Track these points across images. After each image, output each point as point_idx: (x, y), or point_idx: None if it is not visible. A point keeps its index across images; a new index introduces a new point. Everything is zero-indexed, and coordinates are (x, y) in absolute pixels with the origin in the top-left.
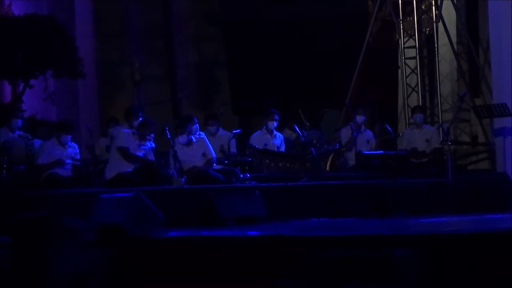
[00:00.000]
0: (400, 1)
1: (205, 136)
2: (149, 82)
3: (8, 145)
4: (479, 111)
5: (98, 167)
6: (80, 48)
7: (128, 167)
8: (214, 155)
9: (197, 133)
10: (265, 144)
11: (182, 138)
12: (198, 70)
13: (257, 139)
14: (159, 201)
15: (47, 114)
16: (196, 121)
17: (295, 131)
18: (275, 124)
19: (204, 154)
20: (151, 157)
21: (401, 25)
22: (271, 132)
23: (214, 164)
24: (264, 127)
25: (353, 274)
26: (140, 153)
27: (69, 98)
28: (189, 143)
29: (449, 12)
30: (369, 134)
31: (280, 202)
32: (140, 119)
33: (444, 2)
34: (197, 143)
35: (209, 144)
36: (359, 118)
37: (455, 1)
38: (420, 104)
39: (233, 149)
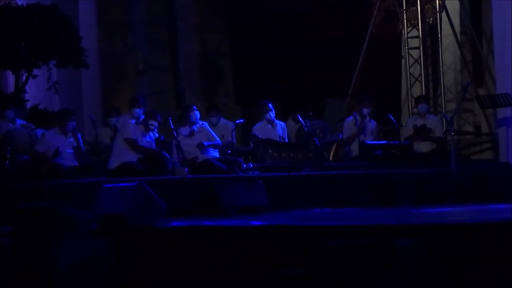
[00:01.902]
0: None
1: (207, 125)
2: (152, 72)
3: (11, 135)
4: (482, 101)
5: (101, 157)
6: (84, 38)
7: (132, 157)
8: (219, 140)
9: (200, 123)
10: (268, 135)
11: (185, 130)
12: (201, 60)
13: (259, 130)
14: (162, 191)
15: (50, 104)
16: (196, 108)
17: (298, 121)
18: (272, 113)
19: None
20: (153, 147)
21: (405, 15)
22: (272, 123)
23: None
24: (264, 119)
25: (355, 264)
26: (145, 144)
27: (72, 88)
28: (191, 134)
29: (452, 2)
30: (373, 124)
31: (283, 192)
32: (141, 108)
33: None
34: (199, 133)
35: (212, 131)
36: (365, 110)
37: None
38: (423, 94)
39: (230, 138)
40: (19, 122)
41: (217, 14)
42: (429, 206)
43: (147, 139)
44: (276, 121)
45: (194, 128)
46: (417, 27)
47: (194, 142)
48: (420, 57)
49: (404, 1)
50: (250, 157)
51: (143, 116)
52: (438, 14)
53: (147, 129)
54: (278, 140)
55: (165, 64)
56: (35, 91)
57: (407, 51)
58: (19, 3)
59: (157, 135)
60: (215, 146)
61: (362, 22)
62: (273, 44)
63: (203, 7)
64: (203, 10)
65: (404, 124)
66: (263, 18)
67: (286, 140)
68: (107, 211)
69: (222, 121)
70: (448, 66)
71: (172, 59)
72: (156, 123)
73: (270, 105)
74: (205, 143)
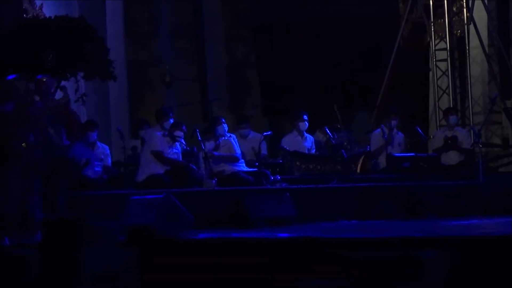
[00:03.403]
0: (431, 3)
1: (233, 138)
2: (179, 83)
3: None
4: (510, 113)
5: (129, 169)
6: (111, 49)
7: (160, 169)
8: (239, 153)
9: (228, 135)
10: (296, 147)
11: (210, 144)
12: (228, 71)
13: (288, 141)
14: (189, 203)
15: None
16: (224, 121)
17: (326, 133)
18: (306, 124)
19: None
20: (180, 158)
21: (432, 27)
22: (302, 134)
23: (243, 161)
24: (295, 129)
25: (383, 276)
26: (172, 156)
27: (100, 100)
28: (216, 147)
29: (480, 14)
30: (400, 136)
31: (311, 204)
32: (172, 120)
33: (475, 4)
34: (223, 147)
35: (236, 144)
36: (392, 122)
37: (486, 3)
38: (452, 106)
39: (264, 151)
40: None
41: (243, 24)
42: (456, 218)
43: (174, 151)
44: (306, 134)
45: (219, 142)
46: (445, 39)
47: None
48: (447, 69)
49: (431, 13)
50: (277, 169)
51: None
52: (465, 26)
53: (174, 140)
54: (306, 153)
55: (192, 75)
56: None
57: (434, 63)
58: (47, 15)
59: (184, 146)
60: (226, 158)
61: (390, 34)
62: (300, 56)
63: (230, 17)
64: (230, 20)
65: (432, 137)
66: (290, 29)
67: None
68: (134, 223)
69: (252, 133)
70: (476, 79)
71: (199, 70)
72: (181, 133)
73: (305, 116)
74: (216, 154)
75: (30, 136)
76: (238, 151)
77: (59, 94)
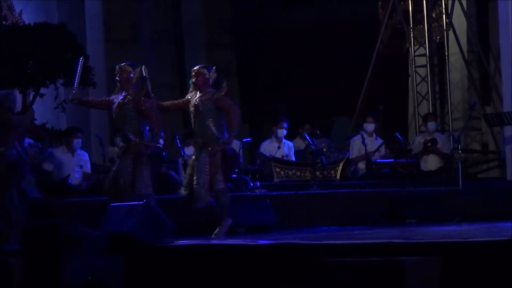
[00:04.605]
0: (410, 9)
1: None
2: (160, 90)
3: None
4: (489, 119)
5: None
6: (91, 56)
7: None
8: None
9: None
10: (274, 153)
11: (189, 150)
12: None
13: (267, 147)
14: (169, 210)
15: (58, 123)
16: None
17: (305, 140)
18: (285, 132)
19: None
20: None
21: (412, 33)
22: (280, 141)
23: None
24: (274, 135)
25: (364, 283)
26: None
27: (80, 107)
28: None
29: (459, 20)
30: (379, 142)
31: (290, 210)
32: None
33: (454, 10)
34: None
35: None
36: (369, 126)
37: (465, 9)
38: (431, 112)
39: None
40: (26, 141)
41: (224, 31)
42: (436, 224)
43: None
44: (284, 140)
45: None
46: (424, 45)
47: None
48: (427, 75)
49: (411, 19)
50: (257, 176)
51: None
52: (445, 32)
53: None
54: (284, 159)
55: (173, 82)
56: (43, 110)
57: (414, 69)
58: (27, 21)
59: (163, 153)
60: None
61: (369, 40)
62: (280, 62)
63: (210, 25)
64: (210, 28)
65: (411, 142)
66: (270, 36)
67: (293, 159)
68: (115, 230)
69: None
70: (455, 85)
71: (179, 76)
72: (160, 140)
73: (285, 124)
74: None
75: (145, 129)
76: None
77: (38, 103)
